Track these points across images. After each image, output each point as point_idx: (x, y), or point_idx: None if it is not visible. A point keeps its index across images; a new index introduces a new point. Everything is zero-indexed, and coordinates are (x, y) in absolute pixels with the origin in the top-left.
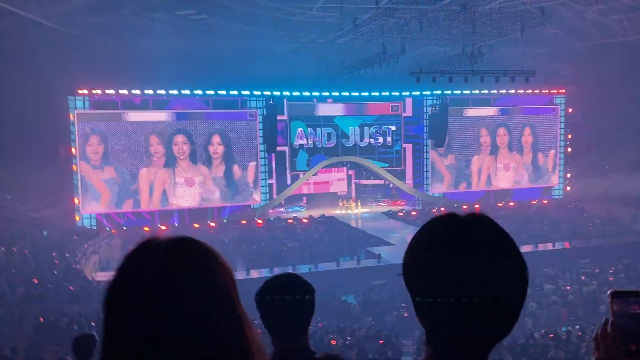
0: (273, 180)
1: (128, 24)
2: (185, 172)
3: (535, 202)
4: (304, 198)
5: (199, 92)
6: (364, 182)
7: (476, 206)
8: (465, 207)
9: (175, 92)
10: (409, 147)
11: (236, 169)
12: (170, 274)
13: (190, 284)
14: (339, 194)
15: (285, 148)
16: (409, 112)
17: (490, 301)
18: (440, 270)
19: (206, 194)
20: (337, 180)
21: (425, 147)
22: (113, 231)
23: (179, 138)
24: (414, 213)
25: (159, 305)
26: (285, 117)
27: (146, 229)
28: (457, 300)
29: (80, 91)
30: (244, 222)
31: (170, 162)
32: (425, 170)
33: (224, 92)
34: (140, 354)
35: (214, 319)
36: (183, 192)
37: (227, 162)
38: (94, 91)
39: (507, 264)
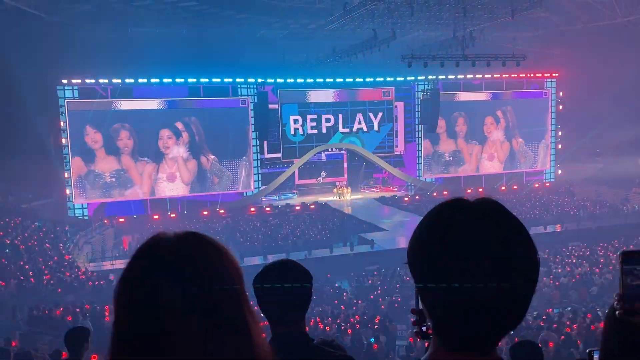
0: (265, 168)
1: (115, 11)
2: (174, 161)
3: (526, 185)
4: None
5: (193, 80)
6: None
7: (480, 189)
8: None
9: (169, 80)
10: (400, 133)
11: (227, 156)
12: (178, 269)
13: (198, 279)
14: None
15: (277, 135)
16: (400, 98)
17: (502, 289)
18: (448, 258)
19: (197, 182)
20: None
21: (417, 133)
22: (105, 221)
23: (165, 132)
24: (406, 199)
25: (167, 301)
26: (277, 105)
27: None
28: (467, 289)
29: (70, 80)
30: (236, 209)
31: (159, 154)
32: (417, 156)
33: (217, 80)
34: (150, 347)
35: (221, 313)
36: (173, 183)
37: (217, 150)
38: (86, 80)
39: (519, 250)
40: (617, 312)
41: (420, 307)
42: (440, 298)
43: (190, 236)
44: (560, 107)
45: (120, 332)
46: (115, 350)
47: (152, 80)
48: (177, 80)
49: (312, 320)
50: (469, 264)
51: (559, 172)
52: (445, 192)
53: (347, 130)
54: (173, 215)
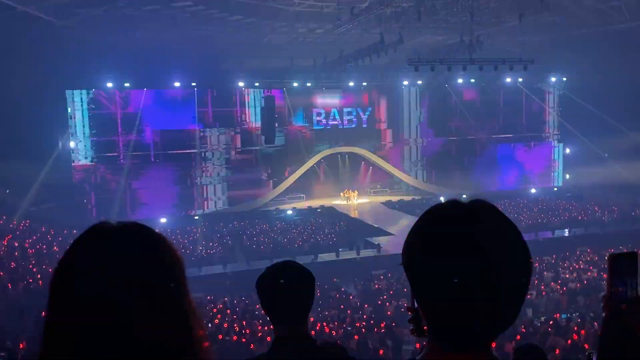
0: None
1: (125, 16)
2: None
3: (533, 190)
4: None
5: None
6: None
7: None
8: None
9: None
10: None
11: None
12: (115, 258)
13: (135, 268)
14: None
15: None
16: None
17: (494, 290)
18: (441, 259)
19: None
20: None
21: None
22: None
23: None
24: (412, 203)
25: (102, 289)
26: (284, 109)
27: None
28: (460, 289)
29: (79, 84)
30: (243, 213)
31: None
32: (427, 160)
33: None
34: (82, 338)
35: (158, 304)
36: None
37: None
38: (95, 84)
39: (510, 251)
40: (603, 313)
41: (416, 306)
42: (434, 299)
43: (130, 225)
44: (568, 111)
45: (52, 318)
46: (48, 341)
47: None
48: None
49: (318, 324)
50: (460, 266)
51: (567, 176)
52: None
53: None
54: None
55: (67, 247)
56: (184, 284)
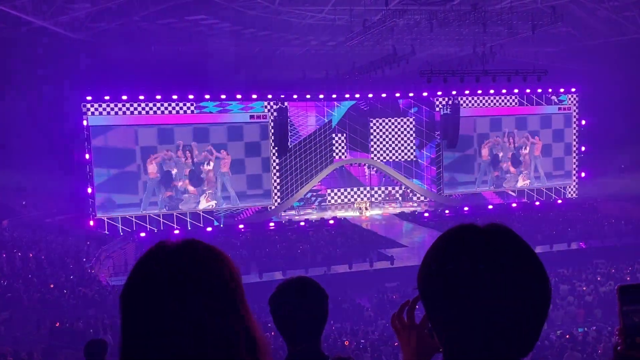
0: (283, 183)
1: (140, 29)
2: (197, 178)
3: (550, 201)
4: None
5: (207, 96)
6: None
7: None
8: (490, 207)
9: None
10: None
11: (248, 171)
12: (178, 275)
13: (198, 284)
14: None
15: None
16: (421, 113)
17: (512, 317)
18: (458, 286)
19: (218, 198)
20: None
21: (438, 148)
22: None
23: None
24: (426, 215)
25: (169, 305)
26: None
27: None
28: (476, 317)
29: (94, 97)
30: (256, 224)
31: (180, 168)
32: (438, 171)
33: (238, 96)
34: (154, 353)
35: (220, 317)
36: (193, 197)
37: (239, 166)
38: (110, 97)
39: (530, 278)
40: (618, 347)
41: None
42: (448, 325)
43: (189, 243)
44: (583, 122)
45: (126, 334)
46: (124, 352)
47: (173, 97)
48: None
49: (332, 336)
50: (478, 293)
51: (583, 188)
52: (466, 209)
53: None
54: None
55: (132, 270)
56: (242, 294)
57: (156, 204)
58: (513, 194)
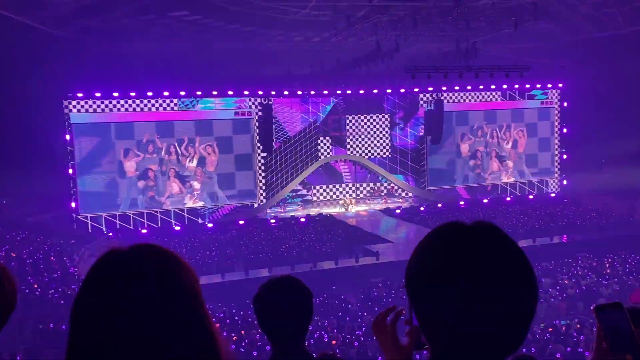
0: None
1: (122, 25)
2: (181, 174)
3: (531, 196)
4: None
5: (198, 92)
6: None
7: (485, 200)
8: (461, 203)
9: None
10: (407, 143)
11: (233, 169)
12: (132, 282)
13: (153, 290)
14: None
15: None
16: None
17: (498, 315)
18: (445, 284)
19: (201, 195)
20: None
21: (423, 144)
22: (110, 234)
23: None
24: (411, 210)
25: (123, 314)
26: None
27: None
28: (464, 315)
29: (75, 94)
30: (241, 222)
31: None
32: (424, 166)
33: (218, 92)
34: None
35: (178, 323)
36: (178, 194)
37: (224, 163)
38: (94, 94)
39: (515, 276)
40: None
41: (415, 322)
42: (436, 321)
43: (143, 248)
44: (565, 117)
45: (77, 347)
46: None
47: (149, 93)
48: (182, 93)
49: (318, 332)
50: (466, 290)
51: (564, 182)
52: (462, 202)
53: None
54: (178, 227)
55: (84, 278)
56: (200, 298)
57: (138, 203)
58: (490, 188)
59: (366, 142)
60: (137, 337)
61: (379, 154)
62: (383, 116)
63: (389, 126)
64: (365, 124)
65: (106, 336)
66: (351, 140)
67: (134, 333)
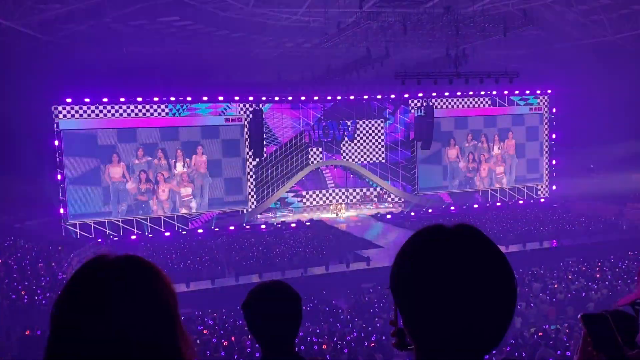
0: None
1: (111, 31)
2: (170, 181)
3: (521, 201)
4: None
5: (189, 98)
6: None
7: (475, 205)
8: (452, 208)
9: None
10: (397, 149)
11: (223, 175)
12: (111, 292)
13: (131, 301)
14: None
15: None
16: (396, 115)
17: (477, 313)
18: (426, 284)
19: (194, 200)
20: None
21: (413, 150)
22: (99, 240)
23: (160, 153)
24: (402, 215)
25: (100, 323)
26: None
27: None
28: (445, 314)
29: (64, 100)
30: (232, 227)
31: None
32: (413, 172)
33: (207, 98)
34: None
35: (153, 335)
36: (167, 199)
37: (214, 168)
38: (84, 100)
39: (494, 278)
40: None
41: (400, 324)
42: (418, 322)
43: (125, 259)
44: (554, 123)
45: (56, 346)
46: None
47: (139, 99)
48: (172, 98)
49: (308, 338)
50: (446, 291)
51: (554, 187)
52: (452, 208)
53: (343, 145)
54: (168, 233)
55: (66, 282)
56: (177, 311)
57: (128, 209)
58: (480, 194)
59: (357, 148)
60: (110, 337)
61: (370, 159)
62: (376, 122)
63: (380, 130)
64: (357, 129)
65: (84, 335)
66: (344, 146)
67: (108, 333)
